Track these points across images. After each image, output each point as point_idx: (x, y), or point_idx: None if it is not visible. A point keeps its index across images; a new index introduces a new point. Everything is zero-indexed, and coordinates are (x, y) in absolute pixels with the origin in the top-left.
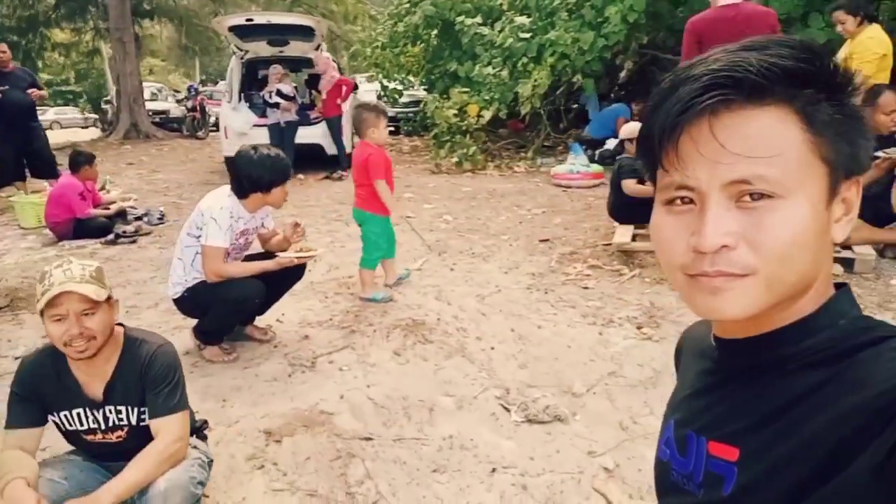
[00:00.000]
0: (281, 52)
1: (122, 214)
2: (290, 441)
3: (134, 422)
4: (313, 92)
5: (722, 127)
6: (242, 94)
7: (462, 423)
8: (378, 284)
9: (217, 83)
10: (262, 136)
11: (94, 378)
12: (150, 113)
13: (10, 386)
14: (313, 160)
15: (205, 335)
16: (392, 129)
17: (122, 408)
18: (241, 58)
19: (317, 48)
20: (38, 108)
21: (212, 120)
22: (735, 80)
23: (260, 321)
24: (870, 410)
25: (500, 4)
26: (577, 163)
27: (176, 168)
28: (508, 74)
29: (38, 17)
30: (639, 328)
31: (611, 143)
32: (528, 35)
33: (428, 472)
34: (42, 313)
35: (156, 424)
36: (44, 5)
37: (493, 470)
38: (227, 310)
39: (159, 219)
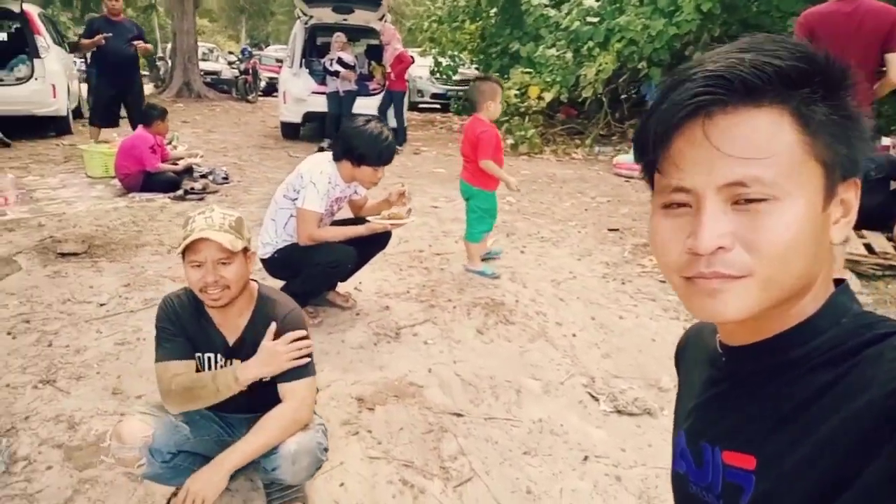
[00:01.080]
0: (345, 19)
1: (188, 171)
2: (382, 410)
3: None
4: (371, 63)
5: (716, 129)
6: (303, 60)
7: (550, 407)
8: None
9: (262, 48)
10: (321, 103)
11: (226, 329)
12: (202, 73)
13: (156, 322)
14: None
15: (292, 297)
16: (438, 105)
17: None
18: (306, 23)
19: (381, 18)
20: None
21: (261, 84)
22: (727, 81)
23: (340, 288)
24: (878, 411)
25: None
26: None
27: (230, 129)
28: (572, 57)
29: None
30: None
31: None
32: (595, 19)
33: (519, 453)
34: (183, 257)
35: (283, 388)
36: None
37: (586, 458)
38: (320, 273)
39: (224, 178)
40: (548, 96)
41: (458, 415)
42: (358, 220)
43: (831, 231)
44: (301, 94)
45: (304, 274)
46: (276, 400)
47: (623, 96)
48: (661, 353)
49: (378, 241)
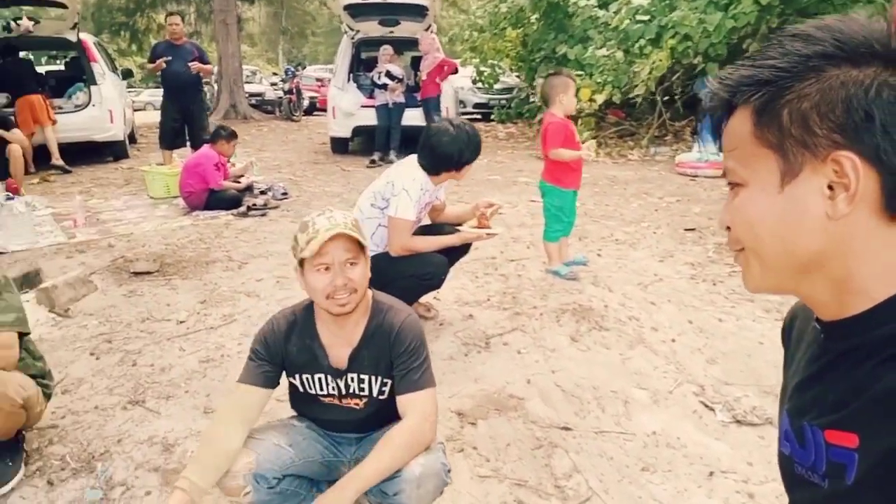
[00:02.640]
0: (391, 32)
1: (249, 188)
2: (485, 425)
3: (375, 393)
4: (418, 73)
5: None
6: (350, 75)
7: (662, 418)
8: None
9: (302, 68)
10: (370, 117)
11: (340, 342)
12: (247, 95)
13: (252, 343)
14: (417, 142)
15: None
16: (480, 116)
17: (366, 377)
18: (352, 38)
19: (427, 29)
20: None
21: (304, 103)
22: (727, 93)
23: (421, 298)
24: None
25: None
26: (705, 151)
27: (280, 148)
28: (623, 57)
29: None
30: None
31: None
32: (646, 17)
33: (637, 469)
34: (301, 264)
35: (404, 401)
36: None
37: (711, 474)
38: (413, 285)
39: (283, 194)
40: (599, 98)
41: (566, 429)
42: (437, 226)
43: (827, 206)
44: (350, 109)
45: (397, 286)
46: (390, 418)
47: (675, 95)
48: (773, 356)
49: (460, 249)
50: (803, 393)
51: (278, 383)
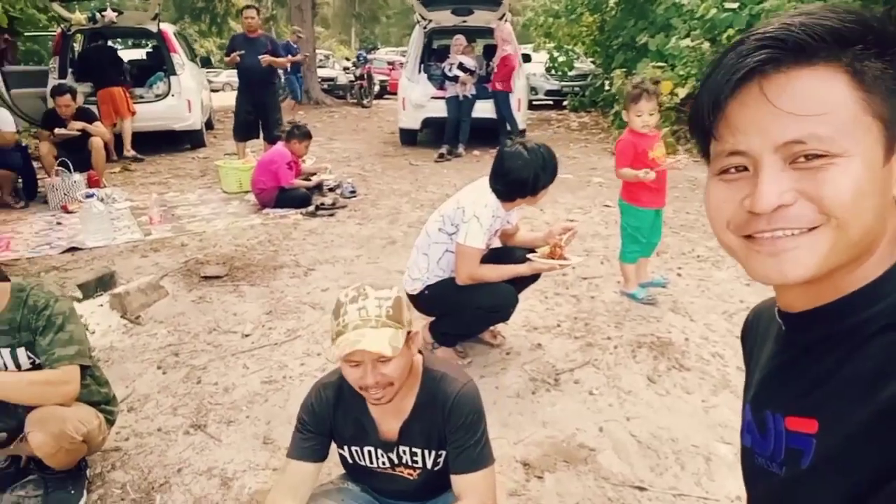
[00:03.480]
0: (464, 21)
1: (318, 186)
2: (552, 479)
3: (430, 465)
4: (490, 63)
5: (772, 86)
6: (421, 66)
7: None
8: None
9: (375, 51)
10: (440, 108)
11: (390, 414)
12: (319, 80)
13: (300, 410)
14: (487, 135)
15: (443, 336)
16: (550, 102)
17: (418, 450)
18: (425, 27)
19: (501, 18)
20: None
21: (376, 89)
22: (781, 42)
23: None
24: None
25: None
26: None
27: (350, 137)
28: (709, 48)
29: None
30: None
31: None
32: (734, 5)
33: None
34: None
35: (459, 482)
36: None
37: None
38: (481, 317)
39: (351, 192)
40: (682, 91)
41: (641, 488)
42: (508, 250)
43: None
44: (420, 101)
45: (464, 317)
46: (445, 486)
47: None
48: None
49: (529, 276)
50: (768, 385)
51: (328, 454)
